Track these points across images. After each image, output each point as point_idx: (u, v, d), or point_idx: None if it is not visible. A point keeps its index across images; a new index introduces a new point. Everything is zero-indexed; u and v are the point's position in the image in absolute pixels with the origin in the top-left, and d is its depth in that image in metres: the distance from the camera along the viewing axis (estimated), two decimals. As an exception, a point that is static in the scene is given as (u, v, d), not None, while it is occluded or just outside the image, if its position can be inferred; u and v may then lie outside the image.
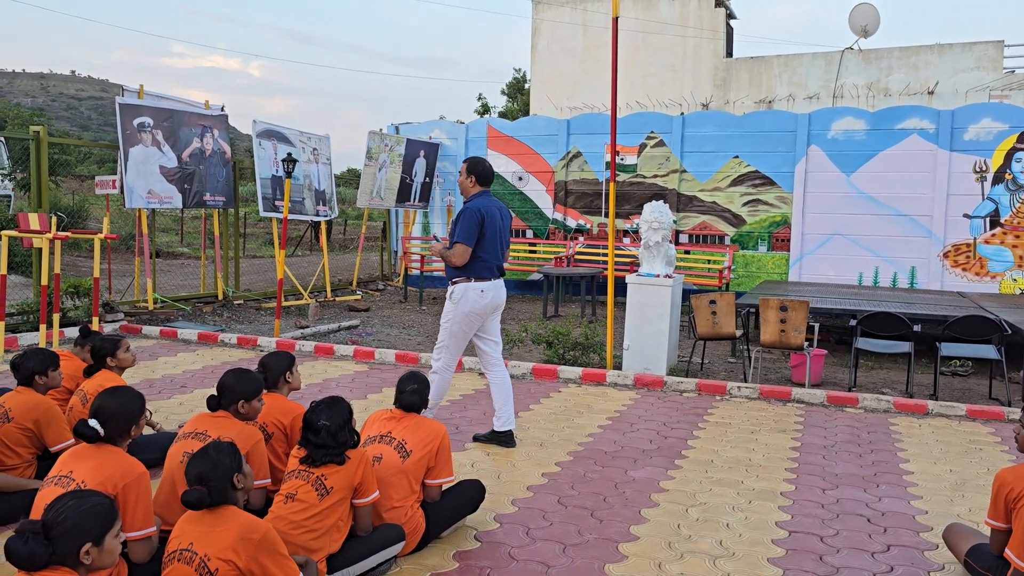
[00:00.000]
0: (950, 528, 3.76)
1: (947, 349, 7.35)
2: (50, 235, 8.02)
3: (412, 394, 3.85)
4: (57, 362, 4.35)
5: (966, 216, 11.55)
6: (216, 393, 3.73)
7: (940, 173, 11.59)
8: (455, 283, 5.36)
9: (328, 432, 3.33)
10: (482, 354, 5.58)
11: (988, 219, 11.45)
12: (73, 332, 8.22)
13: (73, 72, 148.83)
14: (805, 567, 3.69)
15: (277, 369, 4.21)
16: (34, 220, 8.11)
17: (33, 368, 4.19)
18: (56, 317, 8.19)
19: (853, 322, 7.66)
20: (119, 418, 3.21)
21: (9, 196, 17.71)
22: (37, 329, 8.46)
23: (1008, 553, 3.16)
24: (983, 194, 11.45)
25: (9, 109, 44.47)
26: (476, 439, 5.52)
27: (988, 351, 7.20)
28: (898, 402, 6.79)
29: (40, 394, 4.20)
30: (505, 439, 5.43)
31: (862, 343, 7.58)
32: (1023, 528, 3.11)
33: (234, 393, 3.70)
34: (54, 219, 8.35)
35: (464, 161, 5.45)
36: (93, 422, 3.14)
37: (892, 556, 3.85)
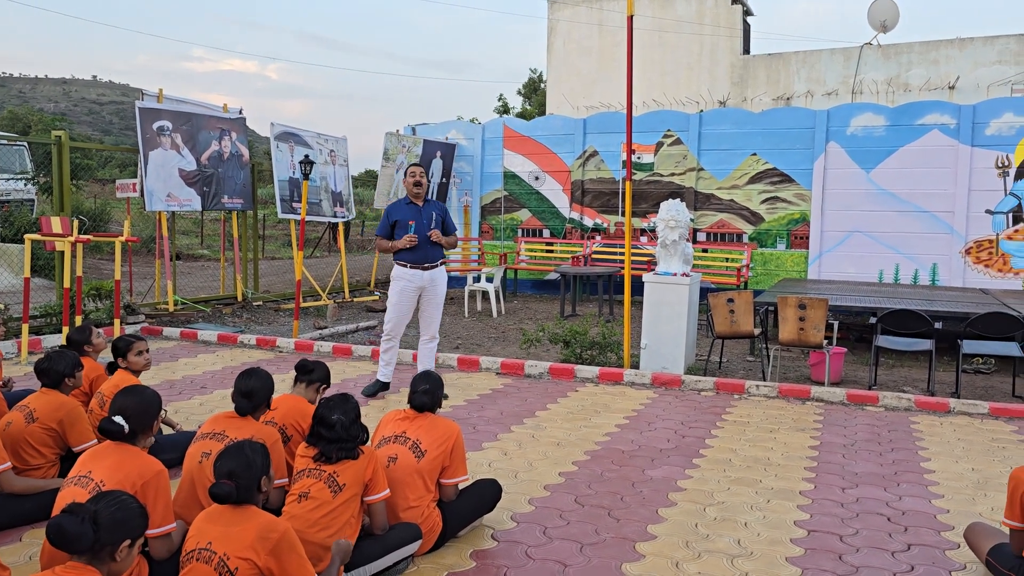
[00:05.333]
0: (972, 527, 3.72)
1: (969, 346, 7.28)
2: (72, 238, 8.11)
3: (424, 394, 3.86)
4: (81, 363, 4.44)
5: (988, 212, 11.41)
6: (245, 397, 3.74)
7: (961, 169, 11.46)
8: (444, 263, 6.72)
9: (343, 426, 3.36)
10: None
11: (1011, 215, 11.30)
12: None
13: (95, 77, 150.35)
14: (824, 566, 3.67)
15: (321, 372, 4.38)
16: (56, 224, 8.20)
17: (63, 371, 4.28)
18: (78, 319, 8.29)
19: (873, 320, 7.60)
20: (140, 414, 3.27)
21: (32, 200, 17.93)
22: (60, 331, 8.57)
23: (1030, 552, 3.13)
24: (1005, 189, 11.31)
25: (32, 114, 45.06)
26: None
27: (1011, 348, 7.12)
28: (919, 400, 6.72)
29: (65, 395, 4.28)
30: None
31: (882, 341, 7.52)
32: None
33: (265, 393, 3.80)
34: (76, 222, 8.45)
35: (421, 166, 6.57)
36: (118, 418, 3.19)
37: (913, 555, 3.81)
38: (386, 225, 6.60)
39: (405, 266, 6.52)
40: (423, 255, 6.51)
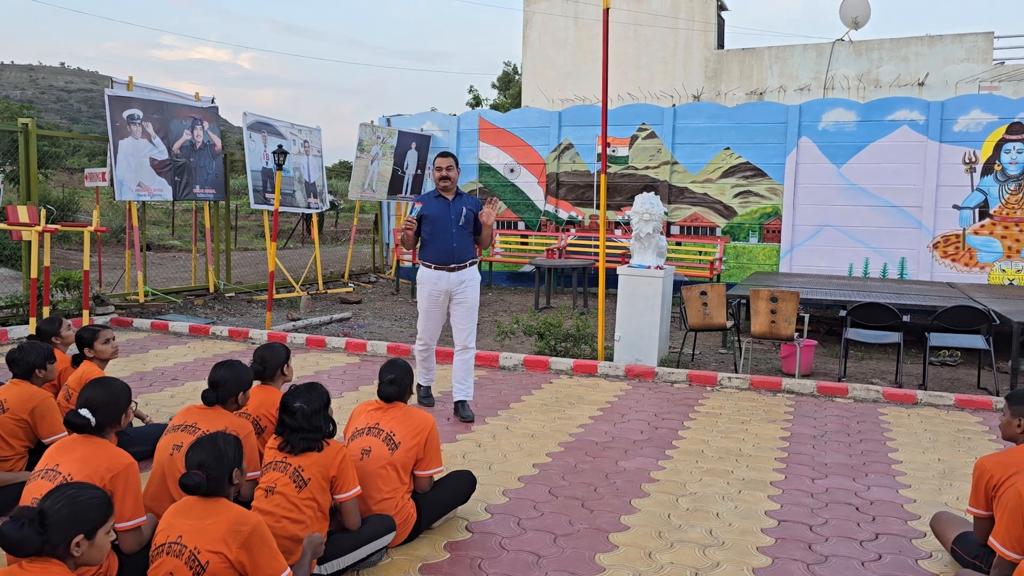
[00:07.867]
0: (937, 516, 3.79)
1: (936, 339, 7.39)
2: (39, 228, 7.98)
3: (390, 384, 3.83)
4: (53, 356, 4.38)
5: (955, 207, 11.60)
6: (212, 388, 3.70)
7: (930, 164, 11.63)
8: (475, 263, 5.99)
9: (303, 415, 3.31)
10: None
11: (977, 210, 11.50)
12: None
13: (63, 64, 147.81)
14: (794, 555, 3.72)
15: (274, 362, 4.20)
16: (23, 213, 8.06)
17: (34, 362, 4.22)
18: (46, 310, 8.16)
19: (843, 313, 7.69)
20: (108, 407, 3.21)
21: (-2, 189, 17.58)
22: (27, 322, 8.43)
23: (992, 541, 3.19)
24: (972, 185, 11.50)
25: (-2, 101, 44.09)
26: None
27: (977, 341, 7.24)
28: (887, 392, 6.83)
29: (36, 386, 4.21)
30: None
31: (852, 333, 7.62)
32: (1004, 516, 3.13)
33: (235, 385, 3.73)
34: (43, 212, 8.31)
35: (452, 156, 5.91)
36: (84, 411, 3.14)
37: (880, 544, 3.88)
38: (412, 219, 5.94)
39: (429, 267, 5.89)
40: (448, 254, 5.85)
